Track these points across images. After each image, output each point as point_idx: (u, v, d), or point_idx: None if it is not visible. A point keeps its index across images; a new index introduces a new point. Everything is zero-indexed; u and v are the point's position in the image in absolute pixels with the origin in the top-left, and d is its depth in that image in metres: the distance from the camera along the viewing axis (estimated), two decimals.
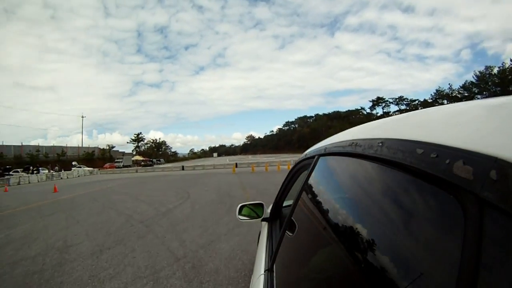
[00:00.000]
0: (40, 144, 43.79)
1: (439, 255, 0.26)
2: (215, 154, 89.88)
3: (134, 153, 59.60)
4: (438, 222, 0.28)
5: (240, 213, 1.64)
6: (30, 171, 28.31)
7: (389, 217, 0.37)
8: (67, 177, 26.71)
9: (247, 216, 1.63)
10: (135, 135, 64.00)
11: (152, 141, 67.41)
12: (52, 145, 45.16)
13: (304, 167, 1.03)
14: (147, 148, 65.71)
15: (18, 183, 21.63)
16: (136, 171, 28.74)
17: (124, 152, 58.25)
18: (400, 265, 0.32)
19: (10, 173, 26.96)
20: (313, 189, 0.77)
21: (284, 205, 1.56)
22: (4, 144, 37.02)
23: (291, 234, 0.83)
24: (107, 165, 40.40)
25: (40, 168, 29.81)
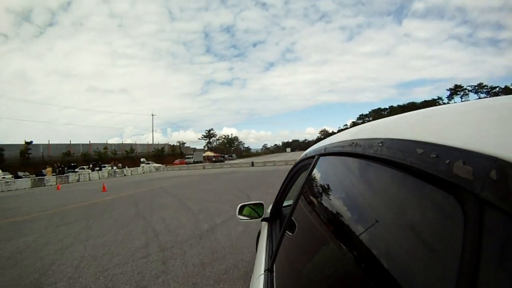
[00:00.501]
0: (116, 142, 45.30)
1: (439, 255, 0.26)
2: (288, 149, 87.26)
3: (206, 149, 60.01)
4: (438, 222, 0.28)
5: (240, 213, 1.64)
6: (91, 168, 28.70)
7: (389, 217, 0.37)
8: (131, 174, 26.64)
9: (247, 216, 1.63)
10: (206, 132, 64.35)
11: (224, 137, 67.25)
12: (121, 142, 46.16)
13: (304, 167, 1.03)
14: (219, 144, 65.69)
15: (78, 180, 22.18)
16: (203, 168, 28.34)
17: (195, 148, 59.03)
18: (400, 265, 0.32)
19: (76, 170, 27.59)
20: (313, 189, 0.77)
21: (284, 205, 1.56)
22: (72, 143, 38.34)
23: (291, 234, 0.83)
24: (177, 161, 40.53)
25: (103, 165, 30.32)
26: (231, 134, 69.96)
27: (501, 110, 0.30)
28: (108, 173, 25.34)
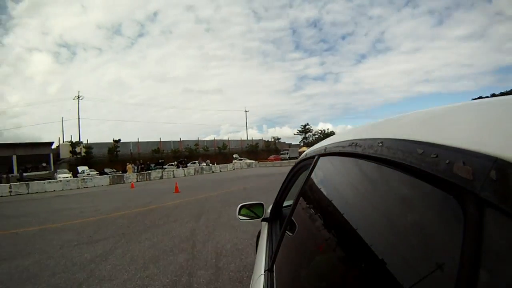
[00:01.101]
0: (209, 139, 45.21)
1: (439, 255, 0.26)
2: None
3: (301, 144, 59.39)
4: (438, 222, 0.28)
5: (240, 213, 1.64)
6: (176, 165, 28.59)
7: (389, 217, 0.37)
8: (220, 171, 25.47)
9: (247, 216, 1.63)
10: (302, 127, 63.23)
11: (320, 132, 66.01)
12: (212, 139, 45.95)
13: (304, 167, 1.03)
14: (315, 139, 65.02)
15: (161, 177, 21.76)
16: None
17: (290, 143, 58.69)
18: (400, 265, 0.32)
19: (164, 166, 27.58)
20: (313, 189, 0.77)
21: (284, 205, 1.56)
22: (163, 140, 38.47)
23: (291, 234, 0.83)
24: (271, 157, 39.58)
25: (193, 162, 30.07)
26: (327, 129, 66.40)
27: (501, 110, 0.30)
28: (195, 170, 24.41)
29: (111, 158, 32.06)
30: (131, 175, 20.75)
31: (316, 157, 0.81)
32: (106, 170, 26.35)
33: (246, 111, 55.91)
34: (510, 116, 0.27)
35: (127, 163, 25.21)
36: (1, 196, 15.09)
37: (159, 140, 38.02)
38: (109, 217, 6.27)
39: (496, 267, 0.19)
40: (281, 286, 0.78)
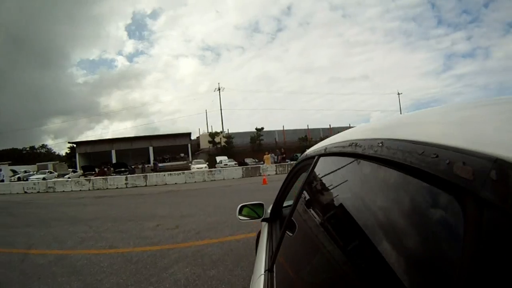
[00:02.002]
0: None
1: (439, 255, 0.26)
2: None
3: None
4: (438, 222, 0.28)
5: (240, 213, 1.64)
6: None
7: (389, 217, 0.37)
8: None
9: (247, 216, 1.63)
10: None
11: None
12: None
13: (304, 167, 1.03)
14: None
15: None
16: None
17: None
18: (400, 265, 0.32)
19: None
20: (313, 189, 0.77)
21: (284, 205, 1.56)
22: (311, 127, 36.32)
23: (291, 234, 0.83)
24: None
25: None
26: None
27: (501, 110, 0.30)
28: None
29: (254, 147, 29.74)
30: (268, 167, 17.22)
31: (316, 157, 0.81)
32: (246, 160, 24.21)
33: (398, 93, 48.04)
34: (510, 116, 0.27)
35: (265, 153, 21.19)
36: (117, 188, 14.07)
37: (306, 127, 34.83)
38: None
39: (496, 267, 0.19)
40: (281, 286, 0.78)
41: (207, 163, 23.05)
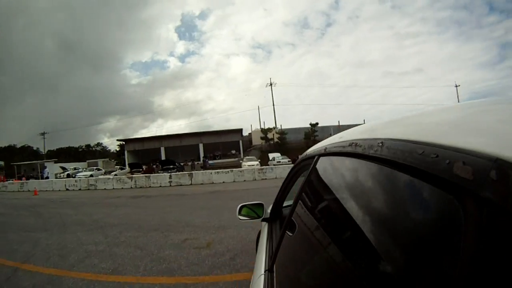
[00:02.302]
0: None
1: (439, 255, 0.26)
2: None
3: None
4: (438, 222, 0.28)
5: (240, 213, 1.64)
6: None
7: (389, 217, 0.37)
8: None
9: (247, 216, 1.63)
10: None
11: None
12: None
13: (304, 167, 1.03)
14: None
15: None
16: None
17: None
18: (400, 265, 0.32)
19: None
20: (313, 189, 0.77)
21: (284, 205, 1.56)
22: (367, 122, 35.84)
23: (291, 234, 0.83)
24: None
25: None
26: None
27: (501, 110, 0.30)
28: None
29: (308, 143, 27.44)
30: None
31: (316, 157, 0.81)
32: (300, 156, 23.66)
33: (456, 86, 44.59)
34: (510, 116, 0.27)
35: None
36: (160, 186, 13.14)
37: (363, 122, 33.22)
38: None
39: (496, 267, 0.19)
40: (281, 286, 0.78)
41: (259, 160, 21.97)
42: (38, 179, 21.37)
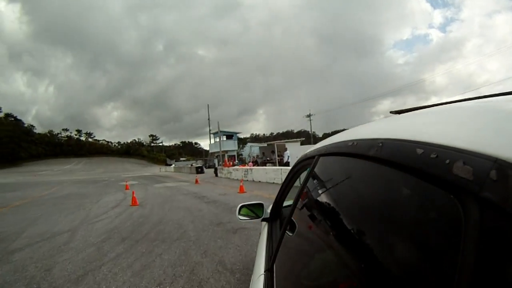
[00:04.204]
0: None
1: (439, 255, 0.26)
2: None
3: None
4: (438, 222, 0.28)
5: (239, 213, 1.64)
6: None
7: (389, 217, 0.37)
8: None
9: (247, 216, 1.63)
10: None
11: None
12: None
13: (304, 167, 1.03)
14: None
15: None
16: None
17: None
18: (400, 265, 0.32)
19: None
20: (313, 189, 0.77)
21: (284, 205, 1.56)
22: None
23: (291, 234, 0.83)
24: None
25: None
26: None
27: (501, 110, 0.30)
28: None
29: None
30: None
31: (316, 157, 0.81)
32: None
33: None
34: (510, 116, 0.27)
35: None
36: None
37: None
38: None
39: (496, 267, 0.19)
40: (281, 286, 0.78)
41: None
42: (275, 164, 16.69)
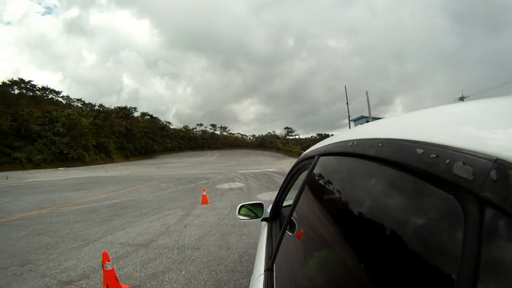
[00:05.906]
0: None
1: (439, 255, 0.26)
2: None
3: None
4: (438, 222, 0.28)
5: (239, 212, 1.64)
6: None
7: (389, 217, 0.37)
8: None
9: (246, 216, 1.63)
10: None
11: None
12: None
13: (304, 167, 1.03)
14: None
15: None
16: None
17: None
18: (400, 265, 0.32)
19: None
20: (313, 189, 0.77)
21: (284, 205, 1.56)
22: None
23: (290, 234, 0.83)
24: None
25: None
26: None
27: (501, 110, 0.30)
28: None
29: None
30: None
31: (316, 157, 0.81)
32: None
33: None
34: (510, 116, 0.27)
35: None
36: None
37: None
38: None
39: (497, 267, 0.19)
40: (281, 286, 0.78)
41: None
42: None
